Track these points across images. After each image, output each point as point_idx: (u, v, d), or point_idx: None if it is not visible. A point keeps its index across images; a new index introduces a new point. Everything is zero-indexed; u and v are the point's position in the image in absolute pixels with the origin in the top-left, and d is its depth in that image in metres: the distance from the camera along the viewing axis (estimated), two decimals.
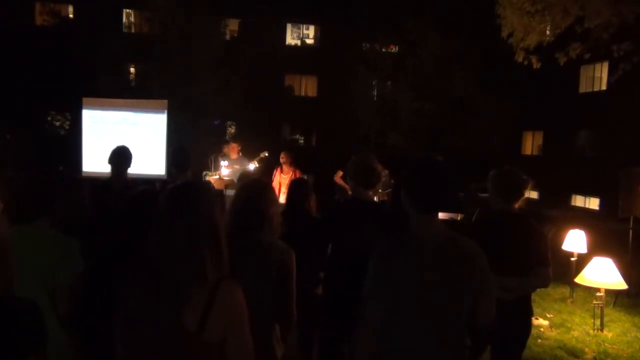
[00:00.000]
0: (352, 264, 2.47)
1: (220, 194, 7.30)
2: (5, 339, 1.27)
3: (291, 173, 7.81)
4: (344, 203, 2.85)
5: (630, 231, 7.12)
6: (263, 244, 2.23)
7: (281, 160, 7.95)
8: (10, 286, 1.37)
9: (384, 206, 3.35)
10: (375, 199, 10.67)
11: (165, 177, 7.90)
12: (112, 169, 4.03)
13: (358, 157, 3.23)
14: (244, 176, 4.23)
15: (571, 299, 6.26)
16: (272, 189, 2.44)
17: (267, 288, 2.18)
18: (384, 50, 21.07)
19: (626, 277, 5.46)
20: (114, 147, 4.17)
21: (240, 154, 8.22)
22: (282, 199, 7.41)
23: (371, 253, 2.01)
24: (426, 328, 1.92)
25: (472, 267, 1.94)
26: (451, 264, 1.92)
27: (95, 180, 4.95)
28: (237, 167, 7.68)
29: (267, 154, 8.10)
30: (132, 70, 21.06)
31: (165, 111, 8.40)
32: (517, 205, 3.03)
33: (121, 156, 4.03)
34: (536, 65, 9.71)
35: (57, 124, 22.18)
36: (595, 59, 14.30)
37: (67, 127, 21.64)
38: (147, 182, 6.97)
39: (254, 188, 2.39)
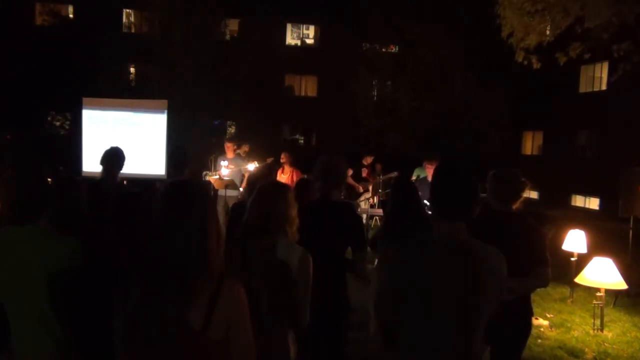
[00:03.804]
0: (316, 264, 2.48)
1: (215, 193, 7.33)
2: None
3: (291, 173, 7.84)
4: (311, 202, 2.90)
5: (630, 231, 7.12)
6: (282, 246, 2.22)
7: (281, 160, 7.98)
8: None
9: (349, 205, 3.35)
10: (375, 199, 10.68)
11: (165, 178, 7.90)
12: (103, 170, 4.03)
13: (322, 157, 3.24)
14: (253, 176, 4.22)
15: (571, 299, 6.26)
16: (291, 192, 2.42)
17: (285, 290, 2.18)
18: (384, 50, 21.05)
19: (626, 277, 5.46)
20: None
21: (236, 153, 8.23)
22: None
23: (381, 256, 1.99)
24: (438, 332, 1.89)
25: (483, 271, 1.89)
26: (465, 268, 1.88)
27: (86, 181, 4.95)
28: (232, 166, 7.68)
29: (272, 160, 8.13)
30: (132, 70, 21.04)
31: (165, 111, 8.40)
32: (515, 206, 3.03)
33: (112, 158, 4.02)
34: (536, 65, 9.72)
35: (57, 124, 22.19)
36: (595, 59, 14.30)
37: (67, 127, 21.65)
38: (147, 182, 6.98)
39: (275, 190, 2.37)
